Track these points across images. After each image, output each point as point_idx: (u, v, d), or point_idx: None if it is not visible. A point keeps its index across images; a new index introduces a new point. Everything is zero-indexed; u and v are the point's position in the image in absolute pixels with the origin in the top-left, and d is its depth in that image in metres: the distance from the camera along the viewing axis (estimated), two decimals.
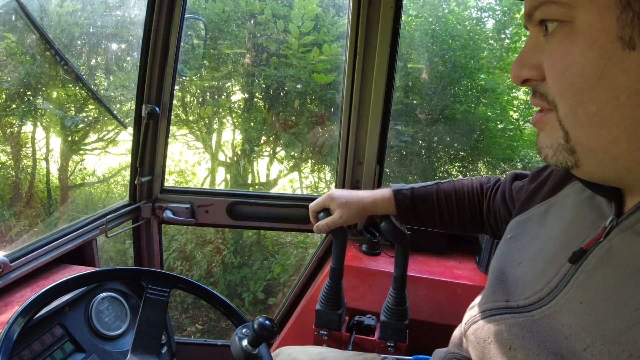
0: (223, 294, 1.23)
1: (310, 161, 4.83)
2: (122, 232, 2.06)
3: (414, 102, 3.86)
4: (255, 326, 1.05)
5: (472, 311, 0.79)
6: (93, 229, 1.71)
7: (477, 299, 0.82)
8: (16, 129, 4.76)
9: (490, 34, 4.19)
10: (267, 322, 1.07)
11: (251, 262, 4.75)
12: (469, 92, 4.11)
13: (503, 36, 4.13)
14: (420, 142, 3.97)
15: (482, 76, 3.98)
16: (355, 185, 1.95)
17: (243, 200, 2.09)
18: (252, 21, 4.04)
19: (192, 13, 3.78)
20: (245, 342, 1.07)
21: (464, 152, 4.12)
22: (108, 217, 1.78)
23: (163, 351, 1.46)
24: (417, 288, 1.64)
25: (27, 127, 4.77)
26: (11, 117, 4.58)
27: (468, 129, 3.98)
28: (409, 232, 1.33)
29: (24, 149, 4.95)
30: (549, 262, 0.69)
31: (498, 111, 4.09)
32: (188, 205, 2.08)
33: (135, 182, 2.00)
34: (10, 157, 4.93)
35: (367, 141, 1.85)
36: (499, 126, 4.11)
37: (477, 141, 4.07)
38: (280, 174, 4.96)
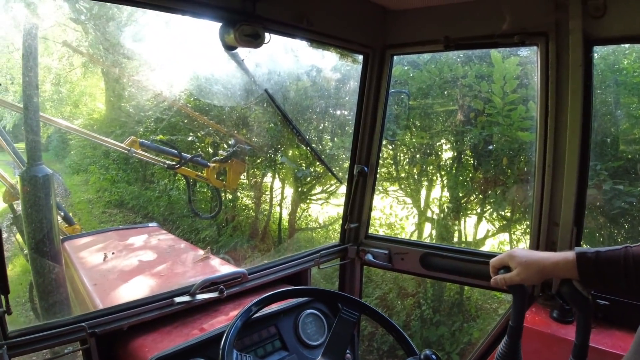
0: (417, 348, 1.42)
1: (522, 222, 4.51)
2: (330, 267, 2.49)
3: None
4: (422, 357, 1.21)
5: None
6: (309, 260, 2.20)
7: None
8: (259, 179, 6.29)
9: None
10: (433, 355, 1.22)
11: (451, 322, 4.64)
12: None
13: None
14: None
15: None
16: (551, 248, 1.85)
17: (436, 252, 2.23)
18: (457, 84, 4.26)
19: (400, 83, 4.30)
20: None
21: None
22: (321, 252, 2.26)
23: None
24: None
25: (267, 178, 6.23)
26: (256, 170, 6.08)
27: None
28: (607, 302, 1.24)
29: (263, 195, 6.44)
30: None
31: None
32: (386, 252, 2.36)
33: (345, 227, 2.44)
34: (253, 201, 6.48)
35: (563, 201, 1.77)
36: None
37: None
38: (488, 234, 4.79)
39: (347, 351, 1.49)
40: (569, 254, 1.19)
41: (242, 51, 1.82)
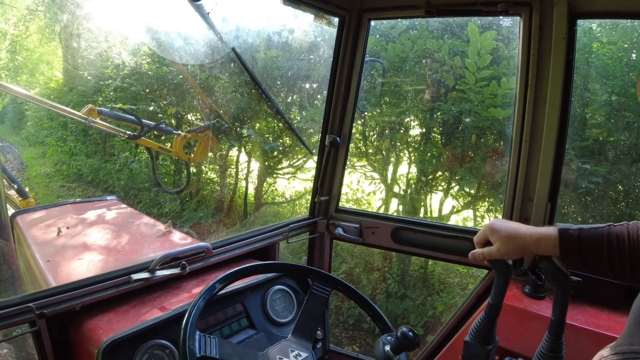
0: None
1: (486, 199, 4.61)
2: (299, 241, 2.41)
3: (611, 138, 3.31)
4: (399, 334, 1.17)
5: (603, 351, 0.72)
6: (277, 235, 2.11)
7: None
8: (224, 152, 6.10)
9: None
10: (410, 333, 1.18)
11: (415, 295, 4.74)
12: None
13: None
14: (620, 186, 3.34)
15: None
16: (525, 223, 1.83)
17: (407, 227, 2.19)
18: (430, 59, 4.22)
19: (373, 55, 4.19)
20: (387, 348, 1.19)
21: None
22: (290, 226, 2.17)
23: (318, 346, 1.68)
24: (579, 340, 1.44)
25: (232, 152, 6.03)
26: (222, 144, 5.89)
27: None
28: (579, 279, 1.22)
29: (229, 169, 6.28)
30: None
31: None
32: (357, 225, 2.30)
33: (315, 200, 2.35)
34: (217, 175, 6.31)
35: (538, 176, 1.75)
36: None
37: None
38: (453, 209, 4.87)
39: (318, 328, 1.43)
40: (551, 231, 1.14)
41: (208, 4, 1.67)
